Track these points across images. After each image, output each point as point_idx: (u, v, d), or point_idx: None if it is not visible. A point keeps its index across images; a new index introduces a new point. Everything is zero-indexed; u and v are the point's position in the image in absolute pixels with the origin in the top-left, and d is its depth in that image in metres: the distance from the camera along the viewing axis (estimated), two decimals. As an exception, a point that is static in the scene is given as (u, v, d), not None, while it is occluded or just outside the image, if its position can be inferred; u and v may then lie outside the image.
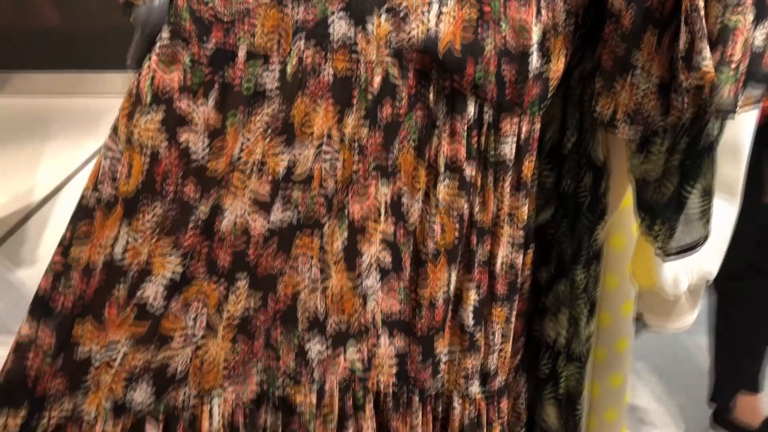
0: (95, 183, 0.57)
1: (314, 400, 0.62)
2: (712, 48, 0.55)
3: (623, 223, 0.77)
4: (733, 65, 0.56)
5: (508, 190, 0.64)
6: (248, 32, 0.55)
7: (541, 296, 0.73)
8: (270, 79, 0.56)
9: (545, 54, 0.60)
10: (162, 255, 0.56)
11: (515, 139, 0.63)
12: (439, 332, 0.67)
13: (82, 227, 0.57)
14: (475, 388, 0.69)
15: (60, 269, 0.56)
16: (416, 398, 0.68)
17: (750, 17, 0.55)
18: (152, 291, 0.56)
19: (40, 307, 0.56)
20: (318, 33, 0.56)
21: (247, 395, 0.61)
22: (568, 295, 0.70)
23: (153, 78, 0.56)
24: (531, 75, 0.60)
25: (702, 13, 0.54)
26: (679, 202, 0.61)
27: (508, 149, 0.63)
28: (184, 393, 0.58)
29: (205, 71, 0.56)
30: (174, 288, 0.56)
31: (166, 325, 0.57)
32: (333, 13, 0.55)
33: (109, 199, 0.56)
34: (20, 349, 0.55)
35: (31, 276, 2.08)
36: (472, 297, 0.67)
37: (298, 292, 0.61)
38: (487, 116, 0.62)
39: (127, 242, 0.55)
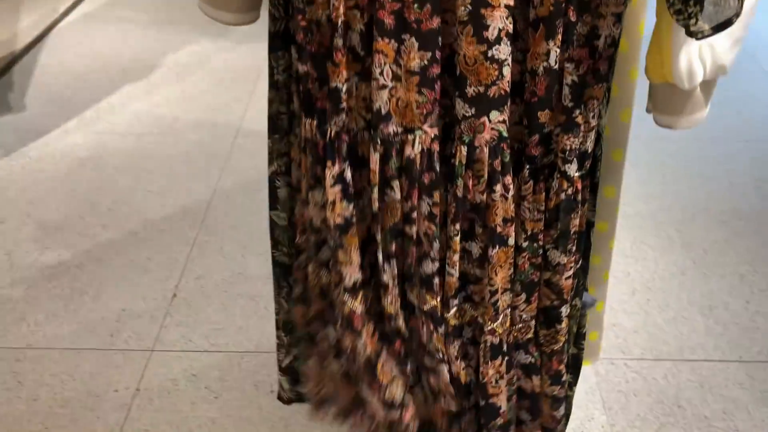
0: None
1: (465, 154, 0.70)
2: None
3: (626, 26, 0.77)
4: None
5: None
6: None
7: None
8: None
9: None
10: (351, 12, 0.68)
11: None
12: (542, 103, 0.70)
13: (305, 6, 0.69)
14: (573, 168, 0.72)
15: (306, 25, 0.71)
16: (527, 167, 0.73)
17: None
18: (355, 40, 0.69)
19: (303, 51, 0.72)
20: None
21: (440, 128, 0.72)
22: None
23: None
24: None
25: None
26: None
27: None
28: (393, 129, 0.70)
29: None
30: (365, 38, 0.69)
31: (370, 69, 0.70)
32: None
33: None
34: (303, 78, 0.73)
35: (19, 120, 2.07)
36: (571, 75, 0.68)
37: (452, 50, 0.69)
38: None
39: (332, 3, 0.68)
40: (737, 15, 0.62)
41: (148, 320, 1.44)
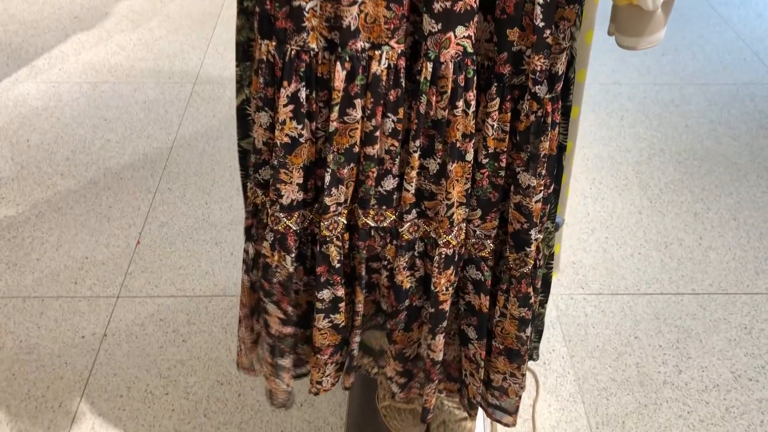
0: None
1: (430, 70, 0.71)
2: None
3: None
4: None
5: None
6: None
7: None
8: None
9: None
10: None
11: None
12: (511, 21, 0.70)
13: None
14: (543, 89, 0.72)
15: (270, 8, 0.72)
16: (495, 85, 0.73)
17: None
18: None
19: (266, 24, 0.73)
20: None
21: (407, 44, 0.73)
22: None
23: None
24: None
25: None
26: None
27: None
28: (361, 45, 0.71)
29: None
30: None
31: None
32: None
33: None
34: (262, 14, 0.73)
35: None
36: None
37: None
38: None
39: None
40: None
41: (112, 267, 1.43)
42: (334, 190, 0.77)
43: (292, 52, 0.72)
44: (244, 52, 0.81)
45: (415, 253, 0.82)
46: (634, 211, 1.61)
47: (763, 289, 1.41)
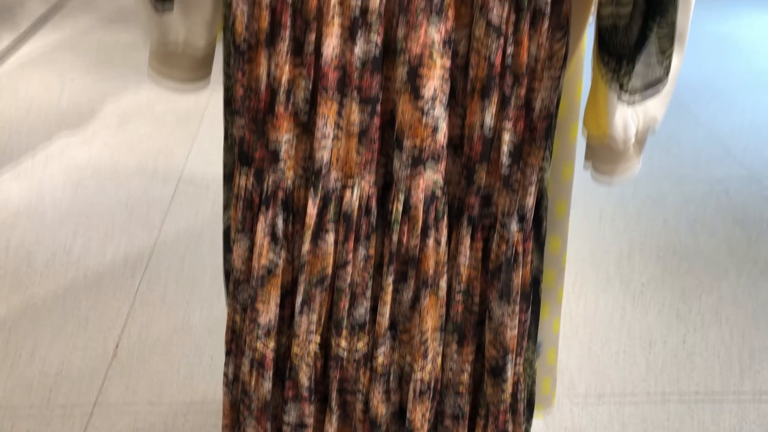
0: (243, 33, 0.71)
1: (401, 208, 0.72)
2: None
3: (565, 87, 0.80)
4: None
5: (546, 34, 0.67)
6: None
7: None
8: None
9: None
10: (296, 76, 0.71)
11: None
12: (479, 163, 0.72)
13: (245, 66, 0.72)
14: (513, 226, 0.73)
15: (242, 92, 0.73)
16: (465, 222, 0.74)
17: None
18: (299, 96, 0.71)
19: (241, 114, 0.74)
20: None
21: (378, 184, 0.75)
22: None
23: None
24: None
25: None
26: (643, 40, 0.64)
27: None
28: (333, 179, 0.73)
29: None
30: (308, 97, 0.71)
31: (311, 127, 0.73)
32: None
33: (252, 42, 0.71)
34: (240, 141, 0.75)
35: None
36: (508, 137, 0.71)
37: (394, 104, 0.71)
38: None
39: (273, 68, 0.71)
40: (663, 80, 0.66)
41: (88, 374, 1.39)
42: (304, 317, 0.77)
43: (269, 184, 0.74)
44: (230, 174, 0.83)
45: (390, 381, 0.81)
46: (617, 308, 1.61)
47: (750, 390, 1.40)
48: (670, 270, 1.74)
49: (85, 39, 2.86)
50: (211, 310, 1.56)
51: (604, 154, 0.80)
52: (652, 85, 0.67)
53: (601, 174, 0.82)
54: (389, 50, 0.70)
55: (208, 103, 2.42)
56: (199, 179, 2.02)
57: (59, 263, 1.70)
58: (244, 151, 0.76)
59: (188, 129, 2.27)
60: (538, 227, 0.77)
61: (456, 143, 0.73)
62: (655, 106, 0.73)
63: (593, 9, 0.75)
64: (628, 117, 0.74)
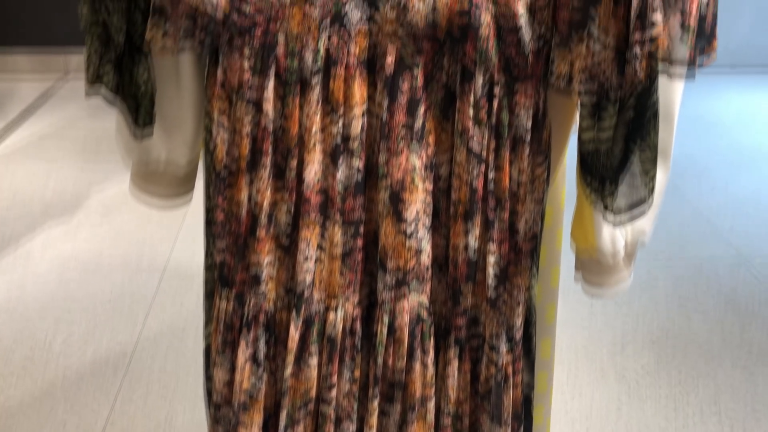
0: (223, 160, 0.71)
1: (385, 330, 0.71)
2: (672, 10, 0.58)
3: (550, 196, 0.80)
4: (692, 27, 0.58)
5: (527, 160, 0.67)
6: (282, 27, 0.65)
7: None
8: (307, 67, 0.66)
9: (540, 32, 0.63)
10: (278, 200, 0.70)
11: (531, 110, 0.66)
12: (464, 284, 0.71)
13: (226, 191, 0.71)
14: (501, 346, 0.72)
15: (223, 217, 0.72)
16: (452, 344, 0.73)
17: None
18: (281, 220, 0.71)
19: (221, 241, 0.73)
20: (337, 23, 0.65)
21: (362, 305, 0.73)
22: None
23: (225, 71, 0.68)
24: (530, 49, 0.63)
25: None
26: (626, 162, 0.64)
27: (524, 122, 0.66)
28: (316, 301, 0.72)
29: (259, 65, 0.67)
30: (289, 221, 0.71)
31: (293, 249, 0.72)
32: (346, 2, 0.64)
33: (233, 168, 0.71)
34: (219, 266, 0.74)
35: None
36: (493, 265, 0.70)
37: (377, 227, 0.71)
38: (500, 88, 0.65)
39: (254, 193, 0.70)
40: (648, 201, 0.65)
41: (64, 488, 1.33)
42: None
43: (250, 314, 0.72)
44: (211, 292, 0.81)
45: None
46: (613, 401, 1.57)
47: (754, 488, 1.35)
48: (665, 357, 1.71)
49: (73, 127, 2.87)
50: (194, 412, 1.51)
51: (594, 267, 0.79)
52: (637, 205, 0.66)
53: (591, 286, 0.81)
54: (371, 173, 0.69)
55: (194, 192, 2.41)
56: (184, 270, 1.99)
57: (38, 361, 1.65)
58: (225, 275, 0.74)
59: (174, 218, 2.26)
60: (528, 344, 0.75)
61: (441, 263, 0.72)
62: (642, 220, 0.72)
63: (575, 121, 0.75)
64: (616, 231, 0.73)
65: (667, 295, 1.95)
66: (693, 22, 0.58)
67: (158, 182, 0.81)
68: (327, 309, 0.71)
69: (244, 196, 0.69)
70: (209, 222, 0.76)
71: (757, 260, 2.10)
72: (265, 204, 0.69)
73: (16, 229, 2.20)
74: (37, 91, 3.23)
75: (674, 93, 0.69)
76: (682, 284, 2.00)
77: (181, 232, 2.19)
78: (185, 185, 0.83)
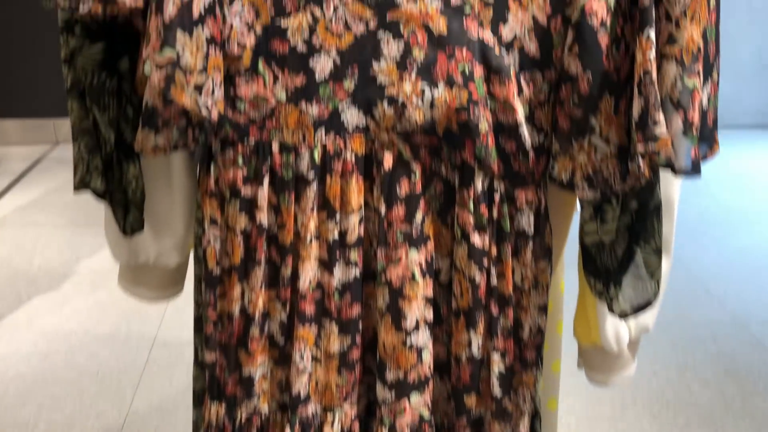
0: (216, 260, 0.69)
1: None
2: (675, 111, 0.57)
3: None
4: (696, 125, 0.58)
5: (530, 259, 0.66)
6: (277, 129, 0.64)
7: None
8: (304, 166, 0.65)
9: (541, 127, 0.62)
10: (272, 304, 0.69)
11: (533, 210, 0.65)
12: (469, 391, 0.68)
13: (219, 290, 0.69)
14: None
15: (214, 323, 0.70)
16: None
17: (701, 78, 0.58)
18: (274, 328, 0.69)
19: (212, 342, 0.71)
20: (334, 123, 0.64)
21: (360, 413, 0.72)
22: None
23: (219, 170, 0.67)
24: (531, 148, 0.62)
25: (654, 78, 0.55)
26: (630, 262, 0.63)
27: (526, 221, 0.65)
28: (312, 410, 0.69)
29: (254, 164, 0.65)
30: (285, 326, 0.69)
31: (288, 350, 0.70)
32: (342, 104, 0.63)
33: (226, 268, 0.69)
34: (210, 367, 0.71)
35: None
36: (498, 365, 0.68)
37: (375, 329, 0.69)
38: (500, 188, 0.64)
39: (247, 297, 0.68)
40: (656, 295, 0.63)
41: None
42: None
43: (243, 417, 0.69)
44: (200, 396, 0.78)
45: None
46: (616, 477, 1.52)
47: None
48: (667, 427, 1.67)
49: (60, 195, 2.85)
50: (183, 498, 1.45)
51: (598, 356, 0.77)
52: (642, 306, 0.64)
53: (595, 374, 0.79)
54: (368, 273, 0.67)
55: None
56: (173, 342, 1.94)
57: (21, 447, 1.59)
58: (216, 382, 0.71)
59: (163, 288, 2.22)
60: None
61: (442, 366, 0.70)
62: (646, 315, 0.71)
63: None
64: (620, 328, 0.71)
65: (665, 360, 1.92)
66: (696, 119, 0.58)
67: (147, 283, 0.79)
68: (323, 422, 0.69)
69: (236, 300, 0.67)
70: (200, 318, 0.73)
71: (754, 326, 2.08)
72: (259, 305, 0.67)
73: (1, 301, 2.15)
74: (26, 159, 3.22)
75: (674, 185, 0.68)
76: (680, 350, 1.97)
77: (170, 302, 2.15)
78: (175, 285, 0.81)
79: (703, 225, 2.70)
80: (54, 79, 3.26)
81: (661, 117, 0.56)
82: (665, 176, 0.66)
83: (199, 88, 0.60)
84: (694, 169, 0.58)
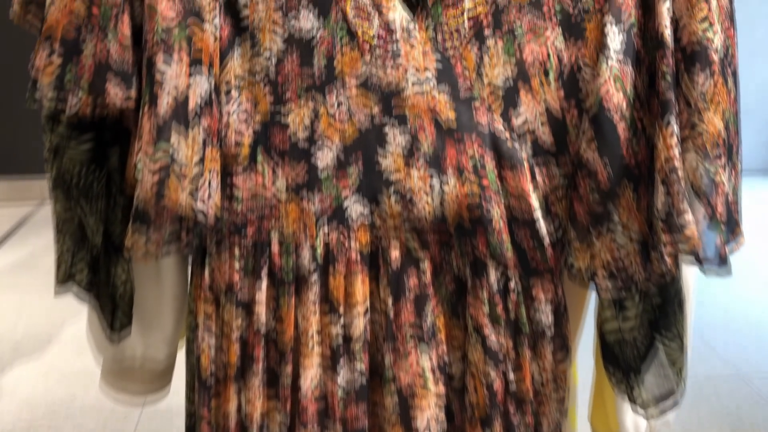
0: (208, 368, 0.64)
1: None
2: (698, 201, 0.55)
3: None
4: (720, 216, 0.55)
5: (549, 358, 0.62)
6: (276, 225, 0.61)
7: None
8: (305, 262, 0.61)
9: (557, 218, 0.59)
10: (271, 409, 0.64)
11: (552, 305, 0.61)
12: None
13: (212, 401, 0.65)
14: None
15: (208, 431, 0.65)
16: None
17: (725, 166, 0.55)
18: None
19: None
20: (338, 216, 0.61)
21: None
22: None
23: (213, 272, 0.63)
24: (547, 241, 0.59)
25: (678, 165, 0.53)
26: (652, 353, 0.59)
27: (545, 317, 0.61)
28: None
29: (251, 260, 0.62)
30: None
31: None
32: (347, 197, 0.60)
33: (220, 376, 0.65)
34: None
35: None
36: None
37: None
38: (515, 282, 0.61)
39: (245, 403, 0.63)
40: (676, 393, 0.60)
41: None
42: None
43: None
44: None
45: None
46: None
47: None
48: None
49: (46, 257, 2.80)
50: None
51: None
52: (666, 397, 0.61)
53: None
54: (375, 374, 0.63)
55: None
56: (162, 410, 1.88)
57: None
58: None
59: (152, 352, 2.16)
60: None
61: None
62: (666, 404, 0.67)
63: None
64: (639, 418, 0.67)
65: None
66: (721, 209, 0.55)
67: (133, 379, 0.74)
68: None
69: (232, 407, 0.63)
70: (192, 429, 0.69)
71: (756, 381, 2.05)
72: (257, 415, 0.62)
73: (-17, 370, 2.08)
74: (12, 218, 3.17)
75: (692, 271, 0.66)
76: (684, 406, 1.93)
77: (159, 370, 2.09)
78: (163, 380, 0.76)
79: (701, 278, 2.68)
80: (40, 138, 3.23)
81: (686, 206, 0.54)
82: (683, 267, 0.63)
83: (194, 191, 0.56)
84: (721, 261, 0.55)
